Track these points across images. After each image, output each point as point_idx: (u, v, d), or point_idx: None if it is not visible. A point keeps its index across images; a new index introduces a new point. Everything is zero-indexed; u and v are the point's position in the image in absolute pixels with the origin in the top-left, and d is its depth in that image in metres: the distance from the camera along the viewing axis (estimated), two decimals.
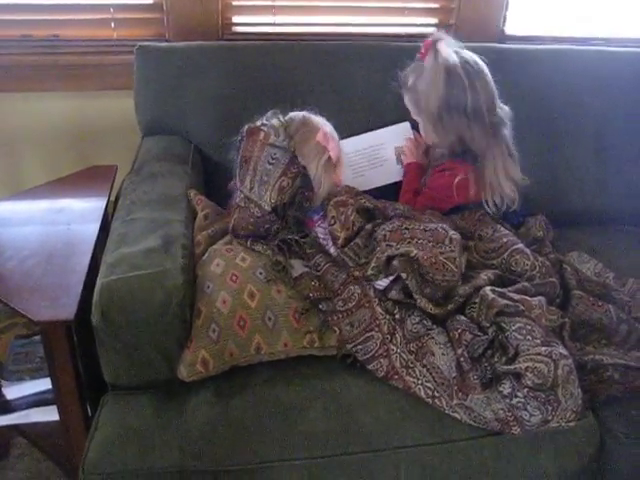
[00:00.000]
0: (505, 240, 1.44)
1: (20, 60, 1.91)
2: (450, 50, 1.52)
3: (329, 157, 1.44)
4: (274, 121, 1.44)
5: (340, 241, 1.34)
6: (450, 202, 1.55)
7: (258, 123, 1.44)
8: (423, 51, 1.56)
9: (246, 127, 1.44)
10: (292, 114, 1.48)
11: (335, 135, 1.51)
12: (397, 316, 1.26)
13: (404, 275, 1.26)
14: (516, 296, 1.28)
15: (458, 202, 1.55)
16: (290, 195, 1.37)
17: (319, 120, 1.49)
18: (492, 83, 1.53)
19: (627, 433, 1.25)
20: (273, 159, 1.36)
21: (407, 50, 1.70)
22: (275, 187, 1.36)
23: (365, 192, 1.59)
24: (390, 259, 1.28)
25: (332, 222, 1.36)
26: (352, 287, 1.28)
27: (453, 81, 1.50)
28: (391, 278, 1.29)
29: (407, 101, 1.63)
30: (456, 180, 1.53)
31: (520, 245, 1.44)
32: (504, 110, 1.57)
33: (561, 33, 2.11)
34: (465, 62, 1.51)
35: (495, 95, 1.54)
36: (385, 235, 1.32)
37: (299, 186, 1.38)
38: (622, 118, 1.88)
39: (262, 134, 1.39)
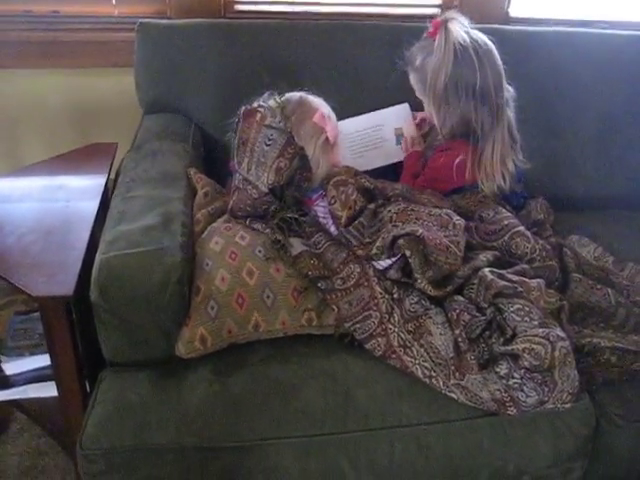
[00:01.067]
0: (506, 222, 1.44)
1: (20, 36, 1.90)
2: (461, 30, 1.50)
3: (326, 138, 1.43)
4: (271, 102, 1.43)
5: (343, 220, 1.33)
6: (450, 183, 1.54)
7: (255, 104, 1.43)
8: (432, 30, 1.53)
9: (243, 108, 1.43)
10: (289, 95, 1.47)
11: (333, 116, 1.50)
12: (395, 295, 1.26)
13: (408, 253, 1.26)
14: (515, 278, 1.28)
15: (457, 184, 1.54)
16: (288, 176, 1.36)
17: (316, 101, 1.48)
18: (500, 64, 1.52)
19: (623, 415, 1.26)
20: (270, 140, 1.36)
21: (410, 30, 1.69)
22: (272, 168, 1.35)
23: (364, 172, 1.59)
24: (395, 239, 1.28)
25: (332, 202, 1.35)
26: (351, 266, 1.28)
27: (462, 61, 1.48)
28: (393, 259, 1.29)
29: (413, 80, 1.61)
30: (456, 161, 1.52)
31: (521, 228, 1.44)
32: (509, 91, 1.56)
33: (565, 16, 2.09)
34: (475, 42, 1.49)
35: (503, 76, 1.53)
36: (392, 217, 1.32)
37: (297, 167, 1.38)
38: (625, 102, 1.87)
39: (259, 115, 1.39)
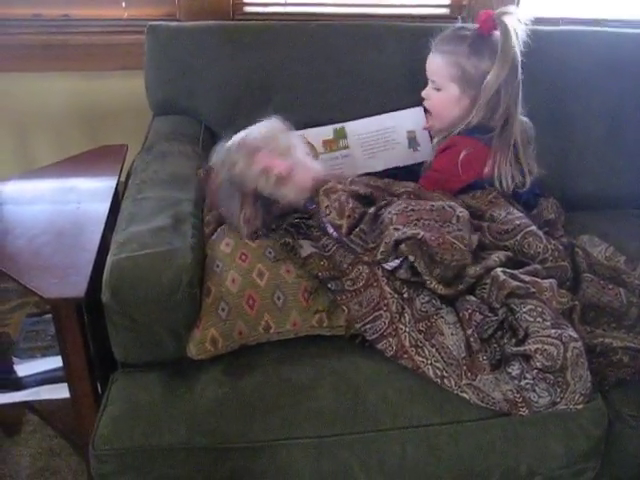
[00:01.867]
0: (518, 222, 1.43)
1: (31, 40, 1.91)
2: (517, 28, 1.50)
3: (276, 175, 1.37)
4: (220, 156, 1.39)
5: (344, 230, 1.32)
6: (458, 181, 1.53)
7: (213, 160, 1.41)
8: (485, 20, 1.53)
9: (201, 172, 1.42)
10: (232, 140, 1.41)
11: (288, 142, 1.43)
12: (405, 295, 1.26)
13: (412, 258, 1.25)
14: (527, 278, 1.27)
15: (467, 180, 1.53)
16: (261, 218, 1.33)
17: (260, 135, 1.42)
18: None
19: (635, 416, 1.25)
20: (227, 198, 1.33)
21: (420, 31, 1.70)
22: (242, 223, 1.33)
23: (374, 173, 1.59)
24: (398, 243, 1.27)
25: (328, 212, 1.34)
26: (360, 267, 1.28)
27: (517, 61, 1.50)
28: (401, 258, 1.28)
29: (445, 65, 1.58)
30: (461, 156, 1.51)
31: (533, 227, 1.43)
32: None
33: (575, 15, 2.09)
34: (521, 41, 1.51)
35: None
36: (392, 219, 1.31)
37: (265, 204, 1.34)
38: (636, 102, 1.85)
39: (213, 176, 1.35)
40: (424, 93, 1.64)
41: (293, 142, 1.45)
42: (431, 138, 1.71)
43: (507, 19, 1.50)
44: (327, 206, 1.34)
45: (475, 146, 1.53)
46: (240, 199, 1.31)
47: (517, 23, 1.51)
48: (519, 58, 1.51)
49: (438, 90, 1.60)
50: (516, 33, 1.50)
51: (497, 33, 1.52)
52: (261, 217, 1.32)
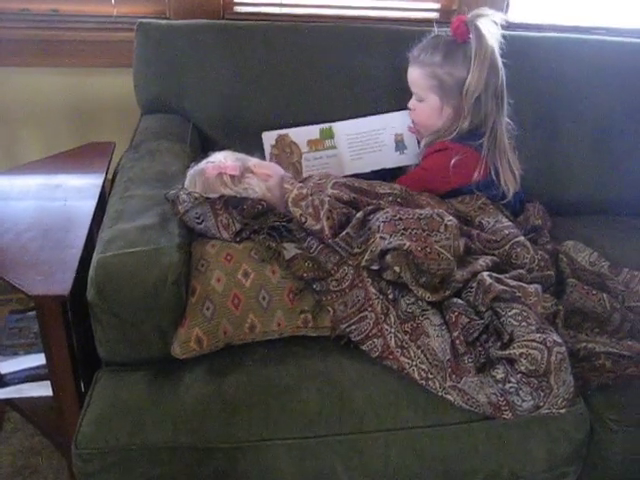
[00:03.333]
0: (507, 232, 1.44)
1: (18, 34, 1.90)
2: (491, 30, 1.51)
3: (230, 176, 1.39)
4: (181, 192, 1.35)
5: (326, 232, 1.31)
6: (447, 183, 1.54)
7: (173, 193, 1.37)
8: (457, 27, 1.54)
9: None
10: (186, 178, 1.43)
11: (226, 157, 1.45)
12: (390, 296, 1.26)
13: (397, 269, 1.25)
14: (513, 282, 1.28)
15: (455, 184, 1.54)
16: (239, 220, 1.31)
17: (214, 159, 1.45)
18: None
19: (617, 420, 1.26)
20: (198, 218, 1.31)
21: (409, 34, 1.70)
22: (221, 230, 1.31)
23: (360, 175, 1.60)
24: (384, 253, 1.27)
25: (303, 220, 1.32)
26: (346, 268, 1.28)
27: (494, 65, 1.51)
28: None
29: (422, 76, 1.60)
30: (453, 161, 1.52)
31: (521, 238, 1.44)
32: None
33: (563, 22, 2.11)
34: (498, 43, 1.53)
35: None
36: (379, 226, 1.31)
37: (236, 206, 1.33)
38: (622, 109, 1.88)
39: (177, 208, 1.32)
40: (409, 104, 1.66)
41: (246, 156, 1.48)
42: (418, 142, 1.72)
43: (480, 22, 1.51)
44: (301, 214, 1.33)
45: (466, 152, 1.54)
46: (211, 210, 1.31)
47: (491, 25, 1.52)
48: (498, 59, 1.53)
49: (421, 101, 1.62)
50: (491, 34, 1.51)
51: (472, 37, 1.53)
52: (239, 219, 1.31)
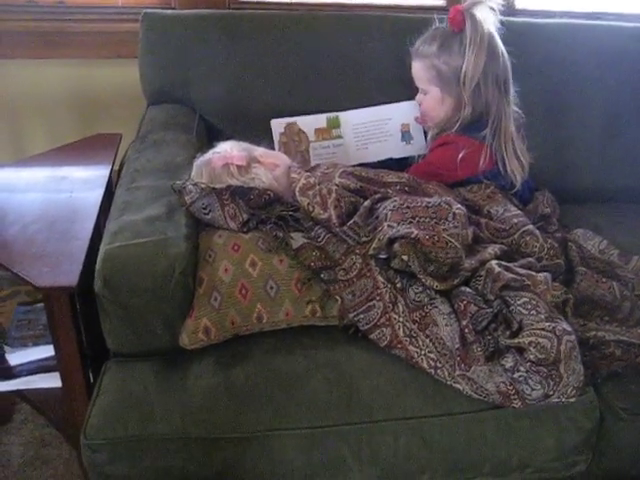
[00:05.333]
0: (515, 221, 1.44)
1: (25, 26, 1.90)
2: (488, 17, 1.50)
3: (236, 166, 1.39)
4: (188, 183, 1.36)
5: (333, 220, 1.31)
6: (453, 177, 1.54)
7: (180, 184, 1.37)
8: (454, 17, 1.52)
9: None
10: (193, 168, 1.43)
11: (232, 147, 1.45)
12: (398, 285, 1.26)
13: (405, 257, 1.24)
14: (522, 271, 1.27)
15: (461, 177, 1.54)
16: (246, 210, 1.31)
17: (220, 149, 1.44)
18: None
19: (627, 409, 1.25)
20: (205, 208, 1.31)
21: (414, 22, 1.70)
22: (228, 220, 1.31)
23: (367, 165, 1.59)
24: (391, 241, 1.27)
25: (310, 210, 1.32)
26: (353, 257, 1.28)
27: (492, 51, 1.49)
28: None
29: (423, 69, 1.60)
30: (461, 154, 1.51)
31: (530, 226, 1.43)
32: None
33: (572, 8, 2.09)
34: (497, 30, 1.51)
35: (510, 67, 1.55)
36: (387, 215, 1.31)
37: (243, 196, 1.32)
38: (631, 95, 1.86)
39: (184, 199, 1.32)
40: (416, 99, 1.66)
41: (252, 146, 1.46)
42: (425, 133, 1.71)
43: (476, 9, 1.50)
44: (308, 203, 1.33)
45: (472, 145, 1.53)
46: (218, 201, 1.31)
47: (487, 11, 1.51)
48: (497, 45, 1.51)
49: (425, 95, 1.61)
50: (486, 21, 1.49)
51: (467, 25, 1.51)
52: (245, 209, 1.31)
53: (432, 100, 1.61)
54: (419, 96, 1.65)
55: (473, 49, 1.49)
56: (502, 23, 1.55)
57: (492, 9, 1.53)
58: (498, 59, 1.52)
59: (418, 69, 1.61)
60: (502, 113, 1.55)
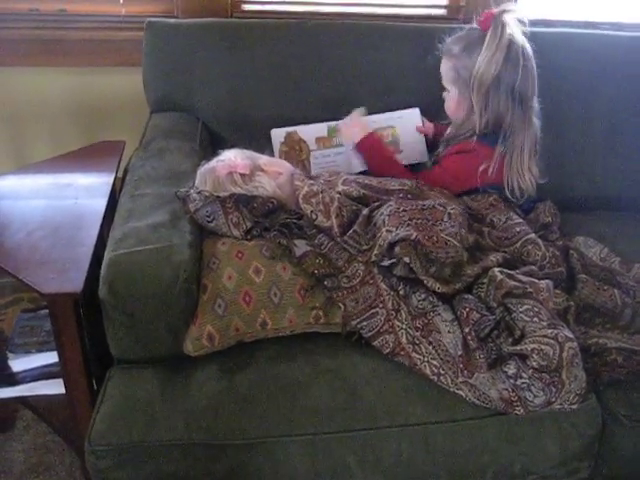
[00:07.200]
0: (518, 230, 1.44)
1: (27, 34, 1.91)
2: (515, 26, 1.49)
3: (240, 174, 1.40)
4: (192, 191, 1.37)
5: (335, 229, 1.32)
6: (468, 185, 1.54)
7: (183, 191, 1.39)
8: (484, 20, 1.52)
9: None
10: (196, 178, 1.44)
11: (236, 155, 1.46)
12: (401, 292, 1.26)
13: (407, 260, 1.26)
14: (524, 278, 1.28)
15: (476, 185, 1.54)
16: (250, 218, 1.32)
17: (224, 157, 1.45)
18: (535, 71, 1.53)
19: (629, 416, 1.26)
20: (209, 217, 1.32)
21: (416, 32, 1.71)
22: (231, 228, 1.32)
23: (368, 172, 1.60)
24: (392, 245, 1.28)
25: (314, 217, 1.33)
26: (356, 264, 1.28)
27: (511, 58, 1.48)
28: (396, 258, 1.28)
29: (446, 68, 1.59)
30: (482, 167, 1.51)
31: (532, 235, 1.44)
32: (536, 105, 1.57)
33: (572, 17, 2.10)
34: (524, 42, 1.50)
35: (536, 83, 1.54)
36: (384, 220, 1.31)
37: (246, 204, 1.33)
38: (632, 104, 1.87)
39: (188, 207, 1.33)
40: (443, 95, 1.64)
41: (256, 154, 1.48)
42: (427, 142, 1.71)
43: (503, 15, 1.50)
44: (312, 211, 1.34)
45: (490, 155, 1.52)
46: (222, 209, 1.32)
47: (515, 20, 1.51)
48: (519, 55, 1.49)
49: (448, 93, 1.61)
50: (511, 27, 1.49)
51: (491, 28, 1.51)
52: (249, 217, 1.32)
53: (451, 100, 1.60)
54: (444, 93, 1.64)
55: (488, 52, 1.48)
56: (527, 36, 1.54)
57: (521, 21, 1.52)
58: (516, 68, 1.49)
59: (443, 68, 1.60)
60: (516, 128, 1.53)
